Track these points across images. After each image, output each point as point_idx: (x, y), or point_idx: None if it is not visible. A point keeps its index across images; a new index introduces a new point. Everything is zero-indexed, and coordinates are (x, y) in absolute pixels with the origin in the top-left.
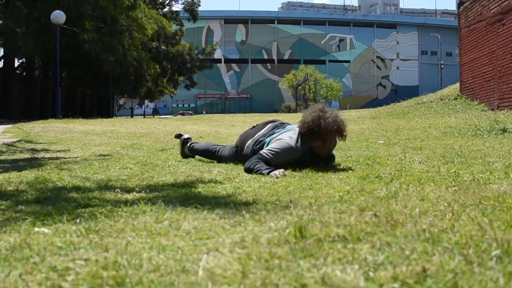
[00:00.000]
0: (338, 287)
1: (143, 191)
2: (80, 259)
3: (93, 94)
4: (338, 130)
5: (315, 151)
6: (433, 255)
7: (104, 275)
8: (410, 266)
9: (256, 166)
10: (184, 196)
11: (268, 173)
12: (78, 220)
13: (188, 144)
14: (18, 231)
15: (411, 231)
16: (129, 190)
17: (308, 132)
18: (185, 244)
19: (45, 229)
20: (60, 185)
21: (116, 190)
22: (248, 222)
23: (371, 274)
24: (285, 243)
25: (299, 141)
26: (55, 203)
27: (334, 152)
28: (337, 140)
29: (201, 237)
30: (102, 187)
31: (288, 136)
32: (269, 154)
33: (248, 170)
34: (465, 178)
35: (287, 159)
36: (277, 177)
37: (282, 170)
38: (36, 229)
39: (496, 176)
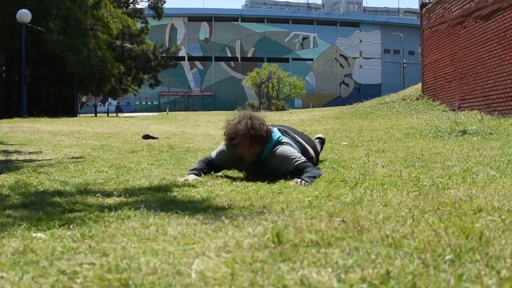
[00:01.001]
0: (315, 287)
1: (122, 195)
2: (86, 264)
3: (58, 93)
4: (247, 136)
5: (243, 158)
6: (395, 259)
7: (110, 277)
8: (376, 269)
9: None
10: (162, 200)
11: (186, 175)
12: (71, 226)
13: None
14: (15, 236)
15: (376, 236)
16: (108, 194)
17: (226, 142)
18: (175, 248)
19: (41, 235)
20: (42, 189)
21: (96, 195)
22: (228, 227)
23: (342, 276)
24: (265, 248)
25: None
26: (41, 207)
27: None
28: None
29: (187, 242)
30: (82, 191)
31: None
32: (213, 154)
33: None
34: (425, 183)
35: (226, 158)
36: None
37: (193, 177)
38: (33, 234)
39: (454, 180)
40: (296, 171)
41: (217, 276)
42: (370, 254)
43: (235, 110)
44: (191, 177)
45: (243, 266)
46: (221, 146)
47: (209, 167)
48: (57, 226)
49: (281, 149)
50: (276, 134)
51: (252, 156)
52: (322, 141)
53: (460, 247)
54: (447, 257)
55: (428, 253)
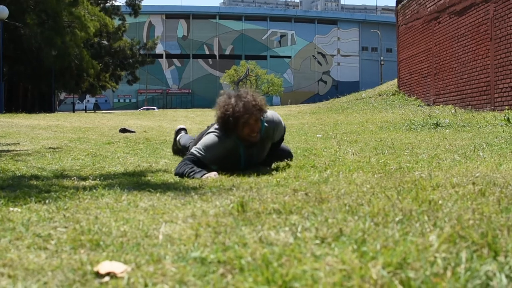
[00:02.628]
0: (272, 243)
1: (98, 179)
2: (60, 228)
3: (35, 89)
4: (255, 110)
5: (248, 140)
6: (349, 221)
7: (82, 238)
8: (330, 229)
9: (187, 171)
10: (136, 183)
11: (201, 176)
12: (47, 201)
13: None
14: None
15: (334, 205)
16: (84, 178)
17: (227, 126)
18: (145, 218)
19: (18, 209)
20: (19, 174)
21: (72, 178)
22: (196, 201)
23: (299, 234)
24: (229, 215)
25: (221, 135)
26: (18, 189)
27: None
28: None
29: (157, 213)
30: (58, 175)
31: (211, 134)
32: (199, 151)
33: (180, 175)
34: (391, 167)
35: (219, 153)
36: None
37: (215, 173)
38: (11, 209)
39: (420, 165)
40: (278, 143)
41: (183, 237)
42: (328, 219)
43: (224, 93)
44: (213, 174)
45: (207, 229)
46: (210, 139)
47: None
48: (34, 202)
49: (271, 114)
50: None
51: (259, 133)
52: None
53: (410, 211)
54: (397, 218)
55: (380, 216)
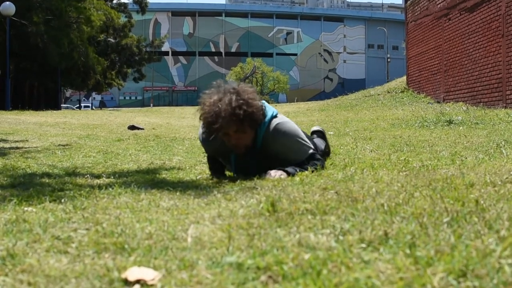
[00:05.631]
0: (313, 247)
1: (112, 177)
2: (80, 229)
3: (41, 86)
4: (226, 121)
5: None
6: (392, 223)
7: (105, 241)
8: (374, 231)
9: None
10: (151, 181)
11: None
12: (62, 200)
13: None
14: (6, 210)
15: (371, 205)
16: (97, 176)
17: (205, 129)
18: (169, 218)
19: (33, 209)
20: (30, 171)
21: (85, 176)
22: (221, 200)
23: (340, 237)
24: (260, 216)
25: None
26: (31, 187)
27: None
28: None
29: (181, 213)
30: (70, 173)
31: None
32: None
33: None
34: (414, 164)
35: (212, 150)
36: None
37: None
38: (25, 208)
39: (444, 162)
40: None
41: (214, 240)
42: (367, 220)
43: (213, 83)
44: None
45: (239, 231)
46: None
47: (215, 162)
48: (48, 201)
49: (283, 125)
50: (269, 109)
51: (243, 147)
52: (322, 135)
53: (457, 212)
54: (445, 220)
55: (425, 217)
